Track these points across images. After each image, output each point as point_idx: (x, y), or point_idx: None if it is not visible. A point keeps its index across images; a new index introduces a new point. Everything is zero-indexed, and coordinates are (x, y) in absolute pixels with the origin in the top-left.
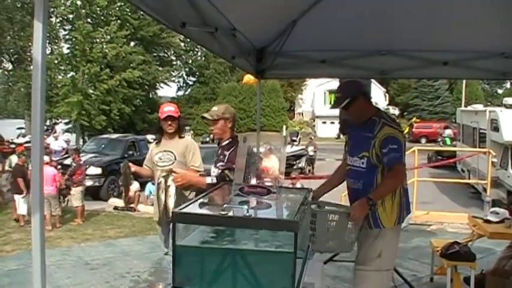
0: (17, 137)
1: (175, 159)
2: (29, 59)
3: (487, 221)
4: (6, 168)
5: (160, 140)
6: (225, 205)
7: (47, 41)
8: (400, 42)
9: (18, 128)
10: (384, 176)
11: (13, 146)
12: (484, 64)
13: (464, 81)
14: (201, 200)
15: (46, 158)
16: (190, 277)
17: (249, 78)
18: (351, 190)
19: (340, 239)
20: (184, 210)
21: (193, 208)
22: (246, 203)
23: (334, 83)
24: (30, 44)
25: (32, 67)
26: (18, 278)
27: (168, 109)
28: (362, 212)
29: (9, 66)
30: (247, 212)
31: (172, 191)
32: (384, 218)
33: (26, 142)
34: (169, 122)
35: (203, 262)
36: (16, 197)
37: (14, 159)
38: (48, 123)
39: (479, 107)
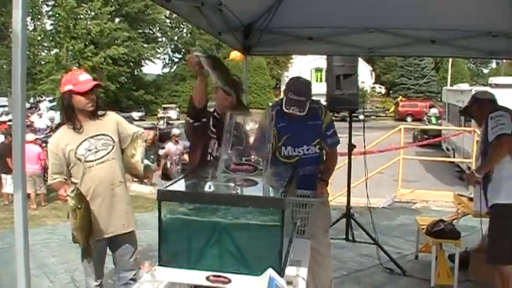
0: (0, 115)
1: (113, 142)
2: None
3: (472, 199)
4: None
5: (76, 125)
6: (210, 183)
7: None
8: (388, 19)
9: (1, 106)
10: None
11: None
12: (471, 43)
13: (450, 60)
14: (187, 178)
15: (30, 136)
16: (176, 254)
17: (235, 54)
18: (306, 176)
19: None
20: (169, 188)
21: (179, 186)
22: (232, 180)
23: (321, 61)
24: (12, 19)
25: None
26: (2, 257)
27: (87, 77)
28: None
29: None
30: (233, 189)
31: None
32: None
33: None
34: (92, 97)
35: (189, 239)
36: (3, 176)
37: None
38: (32, 100)
39: (464, 86)
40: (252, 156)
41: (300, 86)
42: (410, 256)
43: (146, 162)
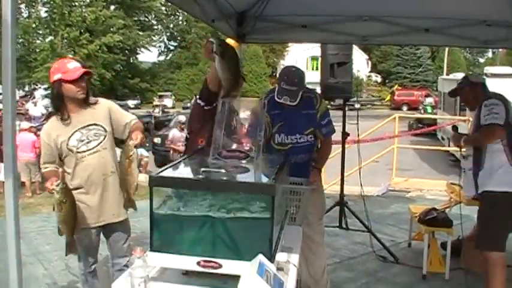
0: None
1: (105, 132)
2: None
3: None
4: None
5: (64, 115)
6: (202, 169)
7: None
8: (382, 8)
9: None
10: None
11: None
12: (465, 32)
13: (446, 49)
14: (179, 164)
15: (25, 124)
16: (167, 240)
17: (229, 42)
18: (298, 164)
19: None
20: (161, 174)
21: (170, 172)
22: (224, 166)
23: (317, 50)
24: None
25: None
26: None
27: (76, 65)
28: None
29: None
30: (224, 175)
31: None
32: None
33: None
34: (83, 84)
35: (180, 225)
36: None
37: None
38: (27, 88)
39: (460, 75)
40: (245, 144)
41: (292, 75)
42: (403, 244)
43: (141, 151)
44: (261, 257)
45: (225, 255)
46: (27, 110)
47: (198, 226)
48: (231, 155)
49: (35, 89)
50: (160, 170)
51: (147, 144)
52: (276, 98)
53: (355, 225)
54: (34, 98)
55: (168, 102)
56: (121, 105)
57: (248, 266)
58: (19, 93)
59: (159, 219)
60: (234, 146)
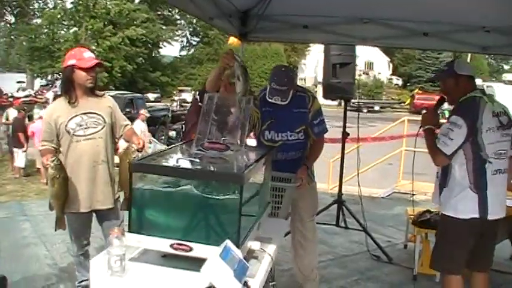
0: (17, 91)
1: (104, 122)
2: (32, 12)
3: None
4: (3, 120)
5: (72, 98)
6: (179, 158)
7: None
8: (382, 11)
9: (18, 82)
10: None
11: (11, 99)
12: (464, 37)
13: (469, 55)
14: (162, 153)
15: (43, 113)
16: (144, 223)
17: (233, 40)
18: (288, 162)
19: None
20: (141, 161)
21: (150, 160)
22: (204, 157)
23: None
24: None
25: (35, 21)
26: (5, 226)
27: (91, 55)
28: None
29: (12, 19)
30: (198, 164)
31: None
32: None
33: (26, 96)
34: (93, 74)
35: (157, 210)
36: (15, 150)
37: (10, 112)
38: (49, 78)
39: (478, 81)
40: (230, 137)
41: (281, 75)
42: (399, 245)
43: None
44: (228, 242)
45: (196, 238)
46: (48, 99)
47: (173, 210)
48: (212, 147)
49: (57, 79)
50: (142, 157)
51: (162, 138)
52: (267, 98)
53: (354, 224)
54: (56, 87)
55: (188, 96)
56: (139, 98)
57: (216, 250)
58: (41, 82)
59: (138, 202)
60: (217, 139)
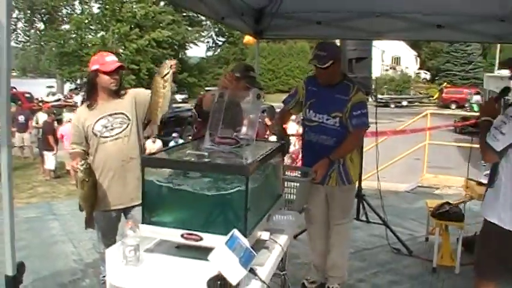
0: (47, 96)
1: (129, 120)
2: (61, 18)
3: (480, 184)
4: (33, 124)
5: (92, 104)
6: (188, 151)
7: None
8: (395, 4)
9: (48, 87)
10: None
11: (41, 104)
12: (478, 27)
13: (498, 46)
14: (174, 149)
15: (72, 116)
16: (157, 214)
17: (248, 39)
18: (319, 145)
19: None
20: (152, 156)
21: (161, 154)
22: (214, 151)
23: None
24: (61, 3)
25: (64, 27)
26: (34, 225)
27: (113, 59)
28: (325, 171)
29: (41, 26)
30: (206, 158)
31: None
32: (353, 174)
33: (55, 100)
34: (116, 77)
35: (169, 202)
36: (46, 153)
37: (40, 116)
38: (78, 82)
39: (505, 72)
40: (242, 132)
41: (325, 44)
42: (420, 238)
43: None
44: (235, 231)
45: (205, 228)
46: (76, 102)
47: (184, 202)
48: (222, 142)
49: (85, 83)
50: (154, 152)
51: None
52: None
53: (375, 218)
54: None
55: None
56: None
57: (224, 239)
58: (70, 86)
59: (151, 195)
60: (229, 134)
